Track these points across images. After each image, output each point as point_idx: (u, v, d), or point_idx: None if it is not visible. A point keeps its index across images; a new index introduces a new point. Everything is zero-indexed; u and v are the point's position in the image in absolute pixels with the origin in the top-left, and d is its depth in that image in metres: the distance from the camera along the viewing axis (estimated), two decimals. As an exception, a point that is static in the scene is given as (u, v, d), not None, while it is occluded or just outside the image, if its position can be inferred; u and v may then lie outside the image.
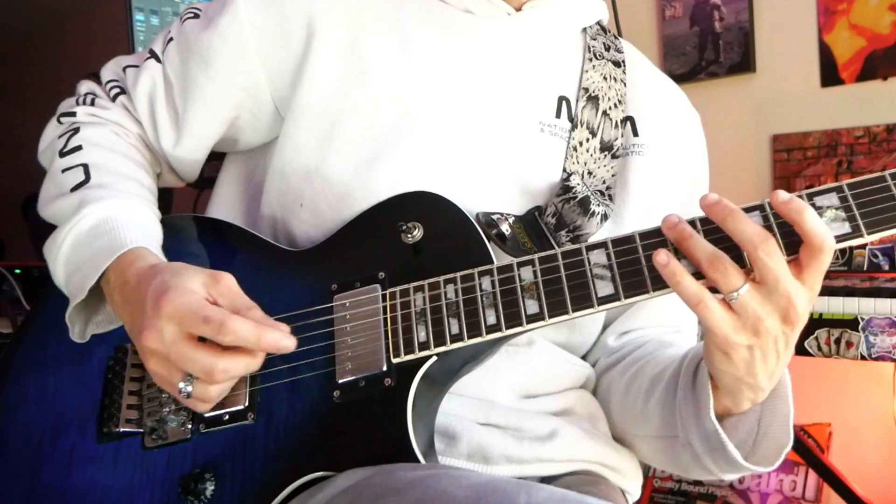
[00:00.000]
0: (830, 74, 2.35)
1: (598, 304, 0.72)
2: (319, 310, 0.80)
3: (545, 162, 0.91)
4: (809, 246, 0.67)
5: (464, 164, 0.88)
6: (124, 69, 0.97)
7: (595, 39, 1.00)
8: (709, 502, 2.30)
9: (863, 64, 2.29)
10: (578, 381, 0.96)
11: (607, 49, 0.99)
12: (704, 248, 0.69)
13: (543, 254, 0.75)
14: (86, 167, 0.88)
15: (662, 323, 0.98)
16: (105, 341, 0.87)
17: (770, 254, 0.66)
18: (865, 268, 1.99)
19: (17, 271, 1.84)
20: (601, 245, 0.74)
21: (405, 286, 0.78)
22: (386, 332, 0.77)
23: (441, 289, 0.77)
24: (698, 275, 0.69)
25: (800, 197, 0.69)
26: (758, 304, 0.68)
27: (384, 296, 0.79)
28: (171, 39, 0.94)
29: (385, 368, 0.76)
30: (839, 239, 0.69)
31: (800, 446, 2.07)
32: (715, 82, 2.56)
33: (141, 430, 0.82)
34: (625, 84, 0.98)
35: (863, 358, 1.64)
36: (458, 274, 0.77)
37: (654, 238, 0.72)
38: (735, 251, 0.69)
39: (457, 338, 0.75)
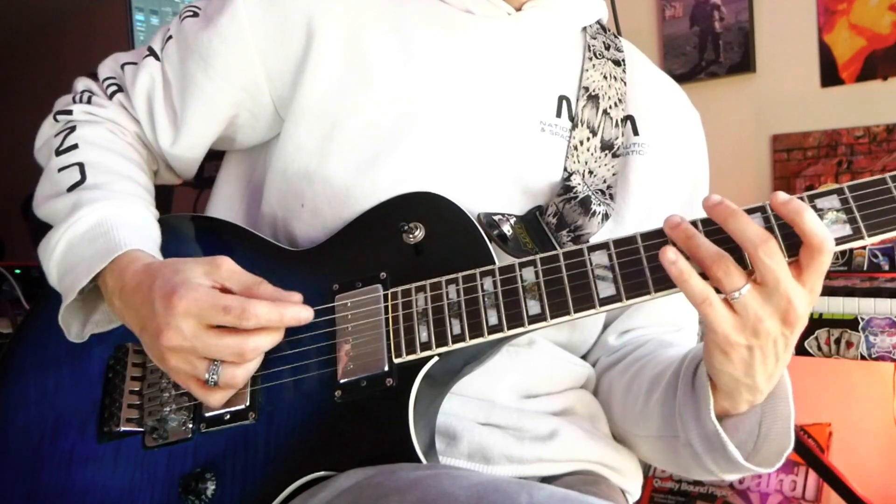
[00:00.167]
0: (830, 74, 2.35)
1: (600, 305, 0.72)
2: (321, 310, 0.80)
3: (546, 161, 0.91)
4: (809, 247, 0.67)
5: (464, 164, 0.88)
6: (122, 66, 0.96)
7: (595, 38, 1.00)
8: (709, 502, 2.30)
9: (863, 64, 2.29)
10: (579, 381, 0.96)
11: (607, 48, 0.99)
12: (707, 247, 0.69)
13: (545, 254, 0.75)
14: (81, 166, 0.88)
15: (663, 322, 0.98)
16: (105, 341, 0.87)
17: (771, 254, 0.67)
18: (865, 268, 1.99)
19: (17, 271, 1.85)
20: (603, 246, 0.74)
21: (407, 286, 0.78)
22: (387, 332, 0.77)
23: (443, 289, 0.77)
24: (700, 274, 0.70)
25: (801, 199, 0.69)
26: (758, 305, 0.68)
27: (386, 296, 0.79)
28: (170, 37, 0.94)
29: (386, 368, 0.76)
30: (840, 241, 0.69)
31: (800, 446, 2.07)
32: (715, 82, 2.56)
33: (141, 429, 0.82)
34: (625, 83, 0.98)
35: (863, 358, 1.64)
36: (460, 274, 0.77)
37: (656, 239, 0.72)
38: (737, 252, 0.69)
39: (458, 338, 0.75)
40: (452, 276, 0.77)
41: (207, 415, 0.79)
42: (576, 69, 0.97)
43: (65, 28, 4.15)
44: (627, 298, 0.72)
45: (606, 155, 0.93)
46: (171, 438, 0.80)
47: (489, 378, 0.85)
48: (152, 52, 0.94)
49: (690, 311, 0.97)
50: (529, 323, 0.74)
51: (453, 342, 0.75)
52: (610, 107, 0.95)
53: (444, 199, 0.82)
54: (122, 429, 0.82)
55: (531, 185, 0.89)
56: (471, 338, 0.74)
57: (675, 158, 0.99)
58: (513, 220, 0.84)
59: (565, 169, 0.91)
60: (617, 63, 0.99)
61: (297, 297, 0.77)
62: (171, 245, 0.88)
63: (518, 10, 0.94)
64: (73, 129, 0.92)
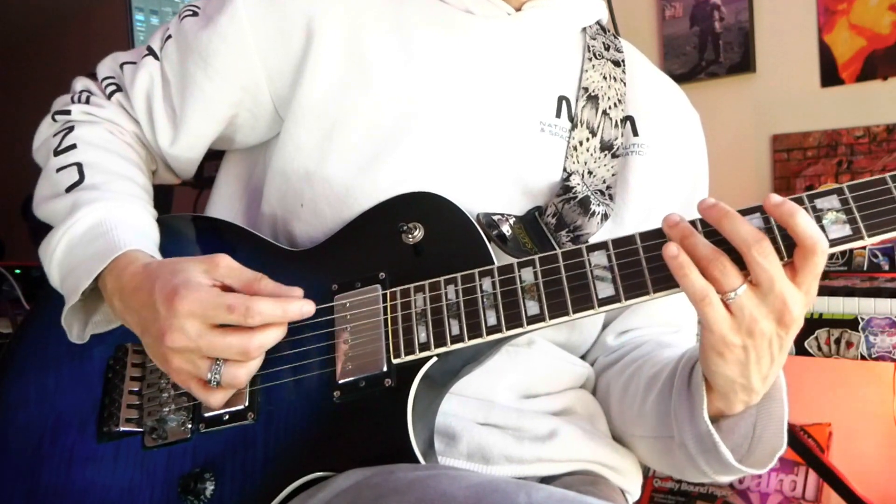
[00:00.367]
0: (830, 74, 2.35)
1: (599, 306, 0.72)
2: (320, 310, 0.80)
3: (545, 162, 0.91)
4: (802, 248, 0.67)
5: (464, 164, 0.88)
6: (121, 66, 0.96)
7: (595, 39, 1.00)
8: (709, 502, 2.30)
9: (863, 64, 2.29)
10: (578, 381, 0.96)
11: (607, 48, 0.99)
12: (705, 246, 0.69)
13: (544, 254, 0.75)
14: (80, 166, 0.88)
15: (662, 323, 0.98)
16: (105, 341, 0.87)
17: (764, 254, 0.67)
18: (865, 268, 1.99)
19: (17, 271, 1.85)
20: (602, 246, 0.74)
21: (406, 286, 0.78)
22: (386, 332, 0.77)
23: (442, 289, 0.77)
24: None
25: (800, 199, 0.69)
26: (754, 306, 0.68)
27: (385, 296, 0.79)
28: (169, 37, 0.94)
29: (385, 369, 0.76)
30: (840, 241, 0.69)
31: (800, 446, 2.07)
32: (715, 82, 2.56)
33: (141, 429, 0.82)
34: (624, 83, 0.98)
35: (863, 358, 1.64)
36: (459, 274, 0.77)
37: (655, 239, 0.72)
38: (734, 254, 0.69)
39: (457, 338, 0.75)
40: (451, 277, 0.77)
41: (206, 415, 0.79)
42: (575, 70, 0.97)
43: (65, 28, 4.15)
44: (626, 299, 0.72)
45: (606, 155, 0.93)
46: (171, 438, 0.80)
47: (488, 378, 0.85)
48: (151, 52, 0.94)
49: (689, 312, 0.97)
50: (528, 323, 0.74)
51: (452, 343, 0.75)
52: (609, 107, 0.95)
53: (444, 200, 0.82)
54: (122, 429, 0.82)
55: (530, 186, 0.89)
56: (469, 338, 0.74)
57: (675, 159, 0.99)
58: (512, 221, 0.84)
59: (565, 169, 0.91)
60: (616, 63, 0.99)
61: (298, 291, 0.77)
62: (171, 245, 0.88)
63: (518, 10, 0.94)
64: (71, 129, 0.92)
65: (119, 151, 0.93)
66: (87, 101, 0.95)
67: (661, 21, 2.68)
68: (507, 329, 0.74)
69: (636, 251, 0.73)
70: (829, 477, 2.07)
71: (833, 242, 0.69)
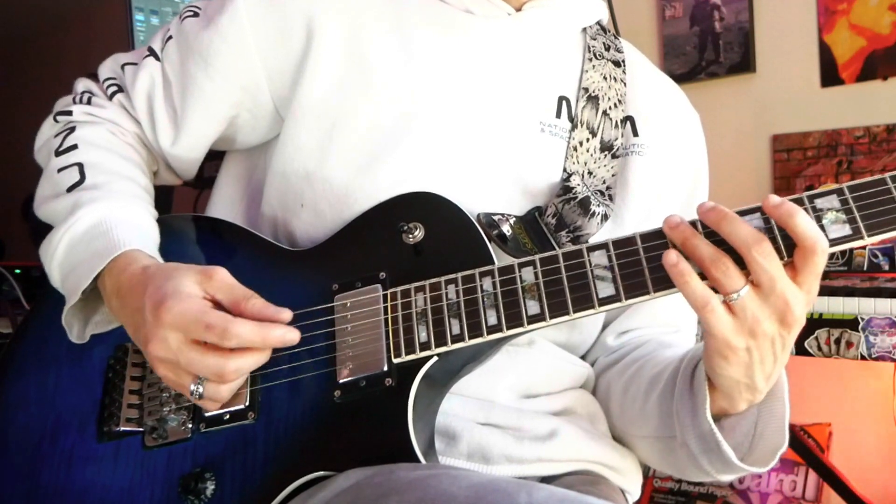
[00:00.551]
0: (830, 74, 2.35)
1: (599, 305, 0.73)
2: (320, 310, 0.80)
3: (545, 162, 0.91)
4: (802, 249, 0.67)
5: (464, 165, 0.88)
6: (122, 67, 0.96)
7: (595, 39, 1.00)
8: (709, 502, 2.30)
9: (863, 64, 2.30)
10: (578, 381, 0.96)
11: (607, 49, 0.99)
12: (707, 247, 0.69)
13: (545, 254, 0.76)
14: (81, 166, 0.88)
15: (662, 323, 0.98)
16: (105, 341, 0.87)
17: (764, 255, 0.67)
18: (865, 268, 1.99)
19: (17, 271, 1.85)
20: (602, 246, 0.74)
21: (406, 286, 0.78)
22: (387, 332, 0.77)
23: (442, 289, 0.77)
24: (700, 275, 0.70)
25: (800, 199, 0.70)
26: (756, 307, 0.68)
27: (385, 296, 0.79)
28: (170, 38, 0.94)
29: (386, 368, 0.76)
30: (840, 241, 0.69)
31: (800, 446, 2.07)
32: (715, 82, 2.56)
33: (141, 429, 0.82)
34: (625, 84, 0.98)
35: (863, 358, 1.64)
36: (460, 274, 0.77)
37: (656, 240, 0.73)
38: (736, 255, 0.69)
39: (458, 338, 0.75)
40: (452, 277, 0.77)
41: (207, 414, 0.79)
42: (576, 70, 0.97)
43: (65, 28, 4.15)
44: (627, 298, 0.72)
45: (606, 156, 0.93)
46: (171, 438, 0.80)
47: (489, 378, 0.86)
48: (152, 53, 0.95)
49: (689, 313, 0.97)
50: (529, 323, 0.74)
51: (452, 342, 0.75)
52: (610, 108, 0.95)
53: (444, 200, 0.82)
54: (122, 428, 0.82)
55: (531, 186, 0.90)
56: (470, 338, 0.74)
57: (675, 159, 0.99)
58: (512, 221, 0.85)
59: (565, 169, 0.91)
60: (617, 64, 0.99)
61: (287, 314, 0.76)
62: (171, 245, 0.88)
63: (518, 10, 0.94)
64: (72, 129, 0.92)
65: (120, 152, 0.93)
66: (89, 102, 0.95)
67: (661, 21, 2.68)
68: (508, 328, 0.74)
69: (636, 252, 0.73)
70: (829, 477, 2.07)
71: (833, 242, 0.69)
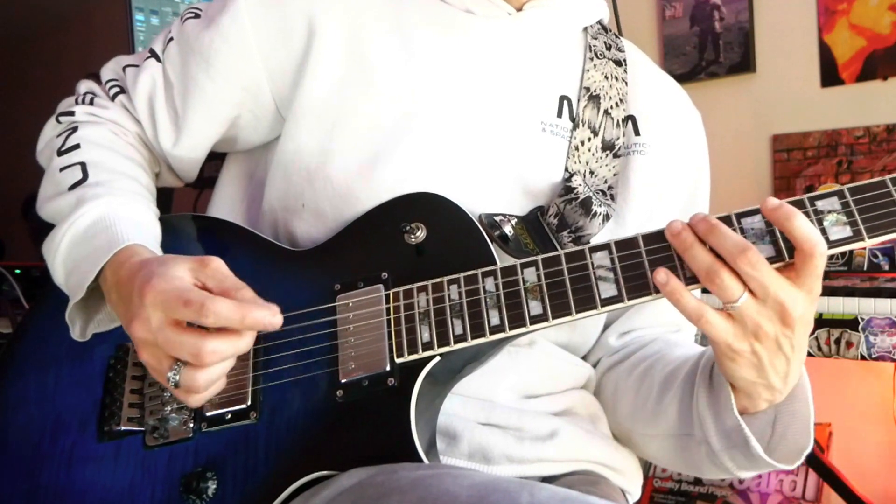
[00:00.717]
0: (830, 74, 2.35)
1: (602, 306, 0.73)
2: (322, 310, 0.80)
3: (547, 162, 0.91)
4: (800, 251, 0.68)
5: (465, 164, 0.88)
6: (124, 69, 0.97)
7: (596, 39, 1.00)
8: (709, 502, 2.30)
9: (863, 64, 2.29)
10: (579, 382, 0.96)
11: (608, 48, 0.99)
12: (703, 259, 0.70)
13: (547, 255, 0.76)
14: (83, 165, 0.88)
15: (663, 322, 0.98)
16: (106, 340, 0.87)
17: (751, 264, 0.67)
18: (865, 268, 1.99)
19: (17, 271, 1.85)
20: (604, 247, 0.74)
21: (408, 286, 0.78)
22: (389, 332, 0.77)
23: (444, 289, 0.77)
24: None
25: (801, 201, 0.70)
26: (755, 312, 0.69)
27: (387, 296, 0.79)
28: (171, 39, 0.94)
29: (388, 368, 0.76)
30: (840, 243, 0.69)
31: (800, 446, 2.06)
32: (715, 82, 2.56)
33: (142, 428, 0.82)
34: (626, 83, 0.98)
35: (863, 358, 1.64)
36: (462, 275, 0.77)
37: (658, 241, 0.73)
38: None
39: (460, 338, 0.75)
40: (454, 277, 0.77)
41: (208, 414, 0.79)
42: (577, 69, 0.97)
43: (65, 28, 4.15)
44: (629, 299, 0.72)
45: (607, 155, 0.93)
46: (172, 438, 0.80)
47: (490, 378, 0.86)
48: (154, 54, 0.95)
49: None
50: (531, 323, 0.74)
51: (455, 342, 0.75)
52: (611, 107, 0.95)
53: (446, 200, 0.82)
54: (123, 428, 0.82)
55: (532, 186, 0.90)
56: (473, 338, 0.75)
57: (677, 159, 0.99)
58: (514, 221, 0.85)
59: (566, 169, 0.91)
60: (618, 63, 0.99)
61: (275, 308, 0.72)
62: (173, 244, 0.88)
63: (519, 10, 0.94)
64: (75, 129, 0.92)
65: (123, 151, 0.93)
66: (91, 103, 0.96)
67: (661, 21, 2.68)
68: (511, 329, 0.74)
69: (639, 253, 0.73)
70: (829, 477, 2.07)
71: (834, 244, 0.69)
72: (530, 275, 0.75)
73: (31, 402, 0.88)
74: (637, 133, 0.97)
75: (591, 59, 0.97)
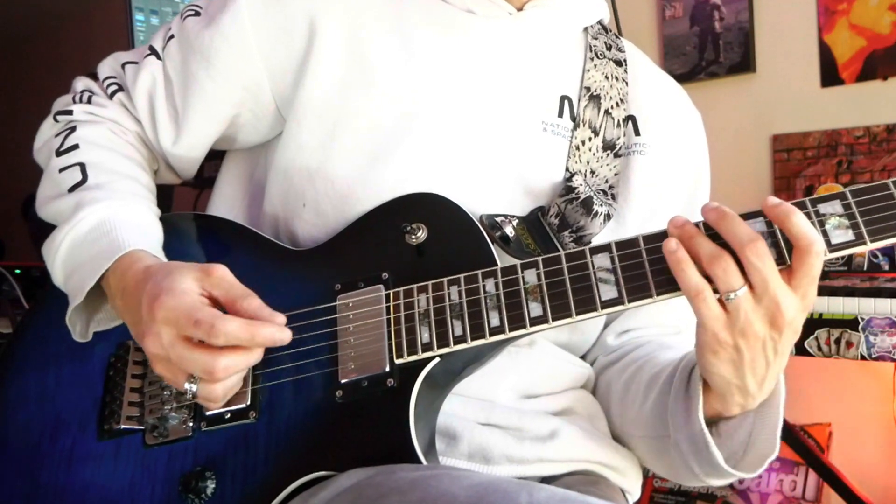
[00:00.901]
0: (830, 74, 2.35)
1: (602, 308, 0.73)
2: (322, 309, 0.80)
3: (548, 161, 0.91)
4: (798, 249, 0.68)
5: (466, 164, 0.88)
6: (123, 66, 0.96)
7: (596, 39, 1.00)
8: (709, 502, 2.30)
9: (863, 64, 2.29)
10: (579, 382, 0.96)
11: (609, 48, 0.99)
12: (709, 245, 0.70)
13: (547, 256, 0.76)
14: (83, 166, 0.88)
15: (663, 323, 0.98)
16: (107, 338, 0.87)
17: (758, 254, 0.67)
18: (865, 268, 1.99)
19: (17, 271, 1.85)
20: (605, 248, 0.74)
21: (409, 287, 0.78)
22: (389, 332, 0.77)
23: (445, 290, 0.77)
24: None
25: (803, 203, 0.70)
26: (750, 308, 0.69)
27: (387, 296, 0.79)
28: (171, 36, 0.94)
29: (388, 369, 0.76)
30: (843, 247, 0.69)
31: (800, 446, 2.07)
32: (715, 82, 2.56)
33: (142, 427, 0.82)
34: (626, 83, 0.98)
35: (863, 358, 1.64)
36: (462, 275, 0.77)
37: (659, 242, 0.73)
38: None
39: (460, 339, 0.75)
40: (454, 277, 0.77)
41: (208, 413, 0.79)
42: (577, 69, 0.97)
43: (65, 28, 4.15)
44: (629, 301, 0.72)
45: (608, 155, 0.93)
46: (172, 436, 0.80)
47: (489, 378, 0.85)
48: (153, 52, 0.94)
49: (691, 315, 0.98)
50: (531, 325, 0.74)
51: (455, 343, 0.75)
52: (612, 107, 0.95)
53: (447, 200, 0.82)
54: (123, 426, 0.82)
55: (533, 186, 0.89)
56: (472, 339, 0.74)
57: (677, 159, 0.99)
58: (515, 222, 0.85)
59: (567, 169, 0.91)
60: (618, 63, 0.99)
61: (281, 318, 0.75)
62: (174, 244, 0.88)
63: (519, 10, 0.94)
64: (73, 129, 0.92)
65: (122, 151, 0.93)
66: (89, 101, 0.95)
67: (661, 21, 2.68)
68: (510, 330, 0.74)
69: (639, 254, 0.73)
70: (829, 477, 2.07)
71: (836, 247, 0.69)
72: (530, 276, 0.75)
73: (31, 401, 0.88)
74: (637, 133, 0.97)
75: (592, 59, 0.97)
